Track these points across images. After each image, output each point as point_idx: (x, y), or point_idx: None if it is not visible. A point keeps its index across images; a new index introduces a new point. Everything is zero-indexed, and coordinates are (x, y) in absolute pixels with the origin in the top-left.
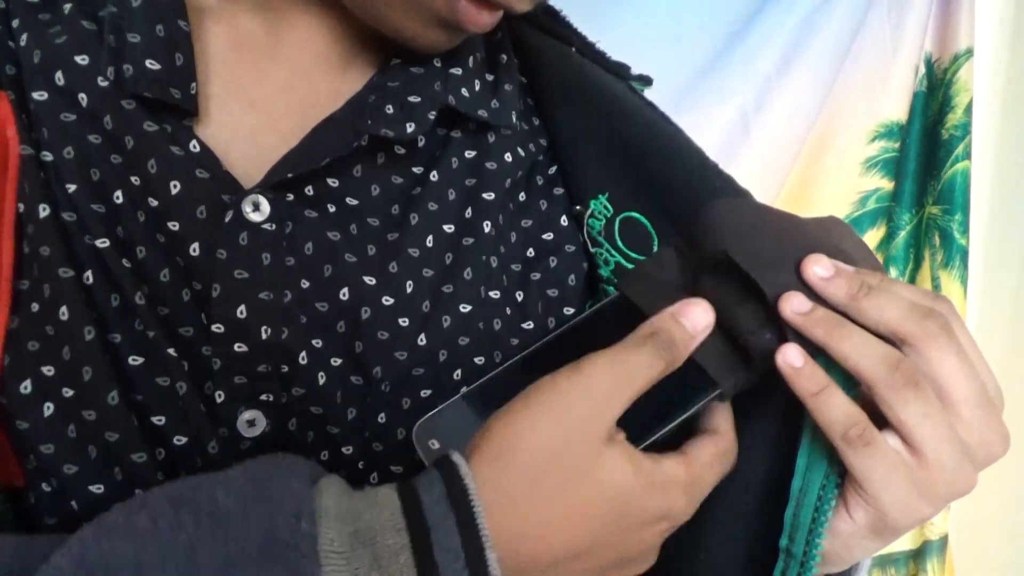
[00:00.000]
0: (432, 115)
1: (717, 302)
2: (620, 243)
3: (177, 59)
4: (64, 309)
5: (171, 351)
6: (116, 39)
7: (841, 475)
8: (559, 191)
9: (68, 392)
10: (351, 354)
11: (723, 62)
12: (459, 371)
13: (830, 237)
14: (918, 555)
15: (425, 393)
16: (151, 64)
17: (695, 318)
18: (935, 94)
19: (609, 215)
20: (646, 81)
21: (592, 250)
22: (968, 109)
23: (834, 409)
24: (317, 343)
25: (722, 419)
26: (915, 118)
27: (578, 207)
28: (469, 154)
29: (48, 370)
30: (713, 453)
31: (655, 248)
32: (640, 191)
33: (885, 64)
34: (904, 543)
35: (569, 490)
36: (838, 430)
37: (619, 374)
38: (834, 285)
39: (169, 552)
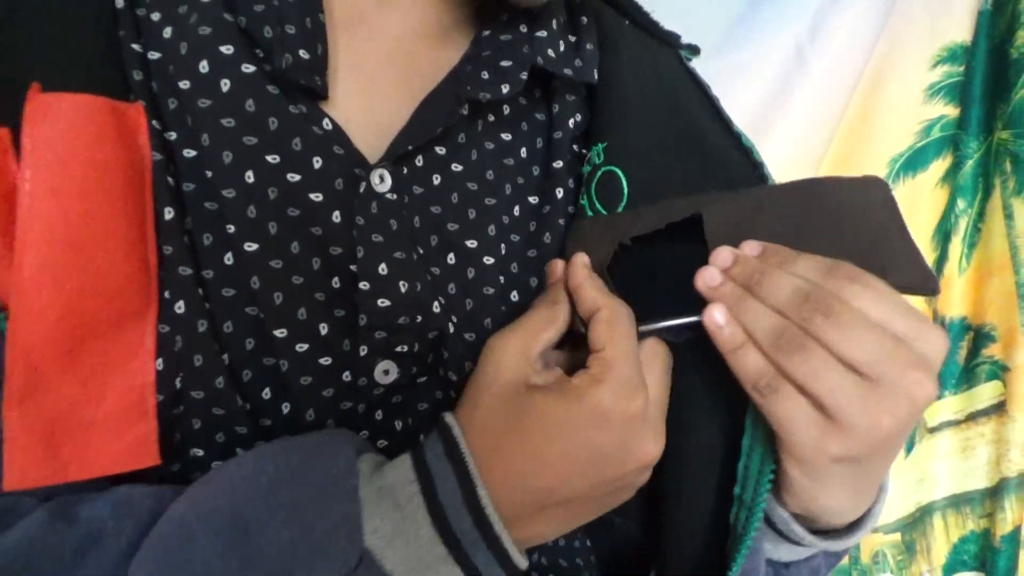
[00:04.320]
0: (524, 75)
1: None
2: (593, 193)
3: (318, 49)
4: (181, 303)
5: (304, 317)
6: (279, 32)
7: None
8: None
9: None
10: (463, 310)
11: None
12: None
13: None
14: (995, 493)
15: None
16: (303, 54)
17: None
18: (1003, 10)
19: (597, 163)
20: (694, 50)
21: (581, 189)
22: None
23: (748, 364)
24: (441, 299)
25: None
26: (980, 38)
27: (584, 150)
28: (539, 117)
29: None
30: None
31: (620, 209)
32: (636, 154)
33: None
34: (980, 481)
35: (525, 434)
36: (750, 381)
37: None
38: (733, 276)
39: (254, 490)
